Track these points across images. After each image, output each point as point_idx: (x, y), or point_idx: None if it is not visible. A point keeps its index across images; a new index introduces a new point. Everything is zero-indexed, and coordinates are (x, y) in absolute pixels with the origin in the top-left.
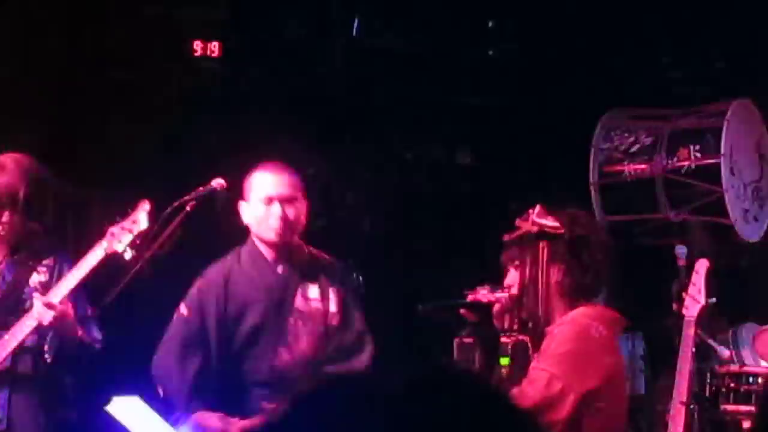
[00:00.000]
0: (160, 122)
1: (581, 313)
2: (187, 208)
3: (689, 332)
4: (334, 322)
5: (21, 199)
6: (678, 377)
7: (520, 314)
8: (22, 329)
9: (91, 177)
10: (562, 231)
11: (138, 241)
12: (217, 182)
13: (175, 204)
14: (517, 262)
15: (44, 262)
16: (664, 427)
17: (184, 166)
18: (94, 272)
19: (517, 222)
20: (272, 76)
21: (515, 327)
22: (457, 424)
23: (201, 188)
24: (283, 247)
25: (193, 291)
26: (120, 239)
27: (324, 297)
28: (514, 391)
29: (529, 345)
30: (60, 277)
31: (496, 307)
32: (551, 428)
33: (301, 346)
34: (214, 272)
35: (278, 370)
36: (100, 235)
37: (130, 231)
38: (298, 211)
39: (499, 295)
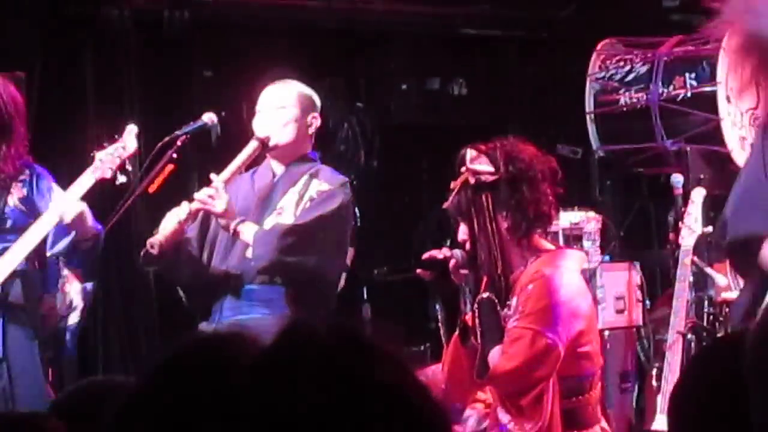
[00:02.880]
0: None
1: (548, 262)
2: (179, 143)
3: (686, 261)
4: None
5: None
6: (675, 307)
7: (478, 269)
8: (33, 236)
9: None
10: (500, 175)
11: (127, 166)
12: (209, 117)
13: (167, 139)
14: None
15: (19, 178)
16: (662, 357)
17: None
18: (84, 199)
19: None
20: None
21: (481, 287)
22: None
23: (192, 122)
24: (275, 154)
25: None
26: (109, 165)
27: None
28: (496, 350)
29: (496, 301)
30: (38, 186)
31: (452, 262)
32: (539, 384)
33: None
34: None
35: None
36: (89, 161)
37: (119, 156)
38: (276, 120)
39: (454, 250)
